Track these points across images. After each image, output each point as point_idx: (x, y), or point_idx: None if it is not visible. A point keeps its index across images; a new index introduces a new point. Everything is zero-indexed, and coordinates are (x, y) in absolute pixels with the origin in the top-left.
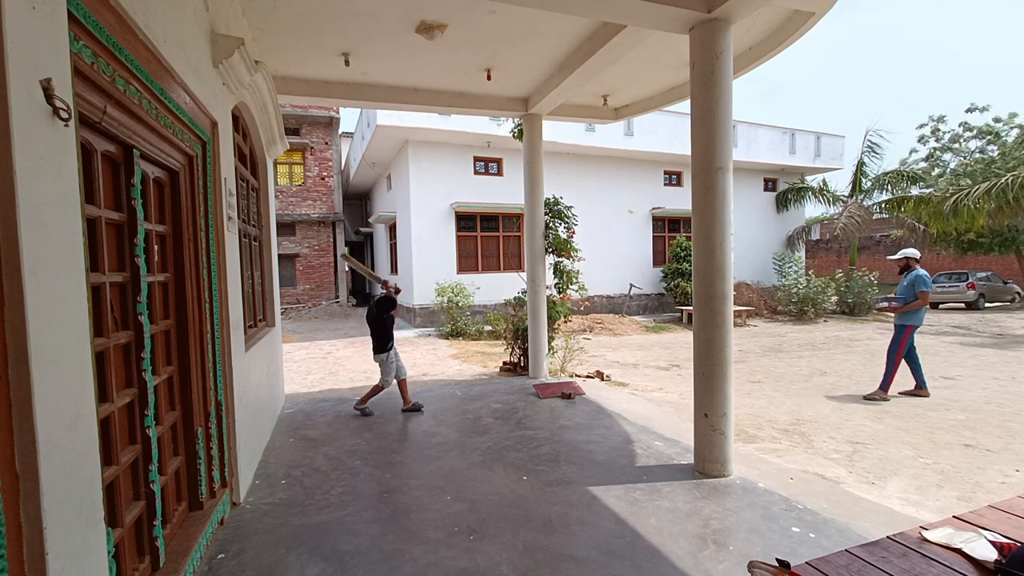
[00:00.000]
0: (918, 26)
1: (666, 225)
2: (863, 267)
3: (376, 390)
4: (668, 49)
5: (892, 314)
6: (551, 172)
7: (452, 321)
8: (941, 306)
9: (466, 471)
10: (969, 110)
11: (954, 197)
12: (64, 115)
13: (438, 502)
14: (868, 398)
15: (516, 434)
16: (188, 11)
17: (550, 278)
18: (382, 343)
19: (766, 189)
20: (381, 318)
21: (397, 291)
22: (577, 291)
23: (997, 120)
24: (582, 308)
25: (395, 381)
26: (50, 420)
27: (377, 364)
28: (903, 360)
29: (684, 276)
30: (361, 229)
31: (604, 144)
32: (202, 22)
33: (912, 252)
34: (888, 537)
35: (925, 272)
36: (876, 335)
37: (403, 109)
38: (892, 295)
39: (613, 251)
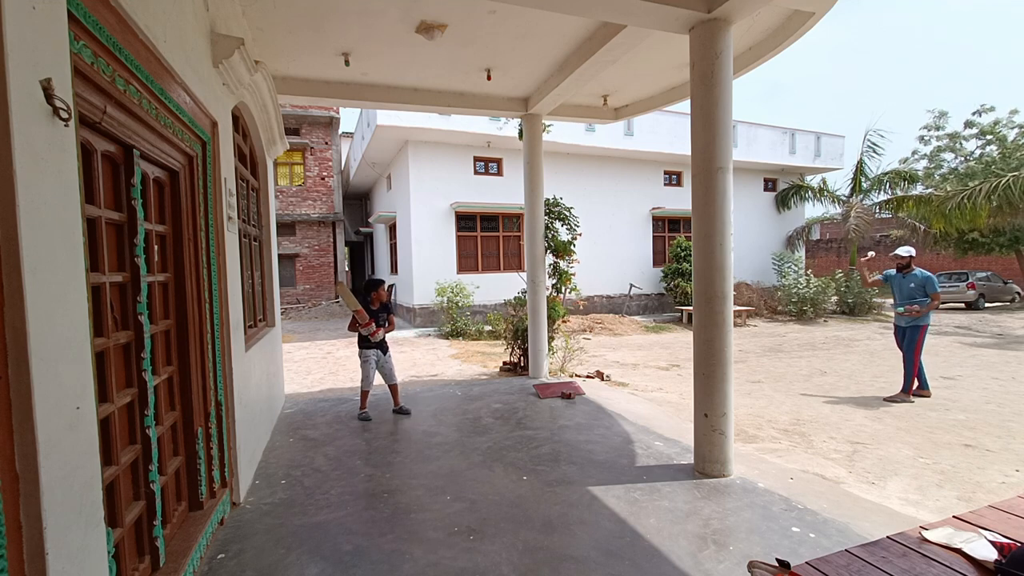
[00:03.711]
0: (918, 27)
1: (666, 225)
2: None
3: (362, 394)
4: (668, 49)
5: (898, 315)
6: (551, 172)
7: (452, 321)
8: (941, 306)
9: (466, 471)
10: (976, 112)
11: (955, 197)
12: (64, 115)
13: (438, 502)
14: (890, 400)
15: (516, 434)
16: (188, 11)
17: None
18: (360, 338)
19: (766, 189)
20: (369, 308)
21: (366, 325)
22: (571, 292)
23: (997, 122)
24: (581, 307)
25: (387, 385)
26: (50, 420)
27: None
28: (906, 359)
29: (684, 276)
30: (361, 229)
31: (604, 144)
32: (202, 22)
33: (909, 250)
34: (888, 537)
35: (930, 273)
36: (876, 335)
37: (403, 109)
38: (911, 300)
39: (613, 251)
